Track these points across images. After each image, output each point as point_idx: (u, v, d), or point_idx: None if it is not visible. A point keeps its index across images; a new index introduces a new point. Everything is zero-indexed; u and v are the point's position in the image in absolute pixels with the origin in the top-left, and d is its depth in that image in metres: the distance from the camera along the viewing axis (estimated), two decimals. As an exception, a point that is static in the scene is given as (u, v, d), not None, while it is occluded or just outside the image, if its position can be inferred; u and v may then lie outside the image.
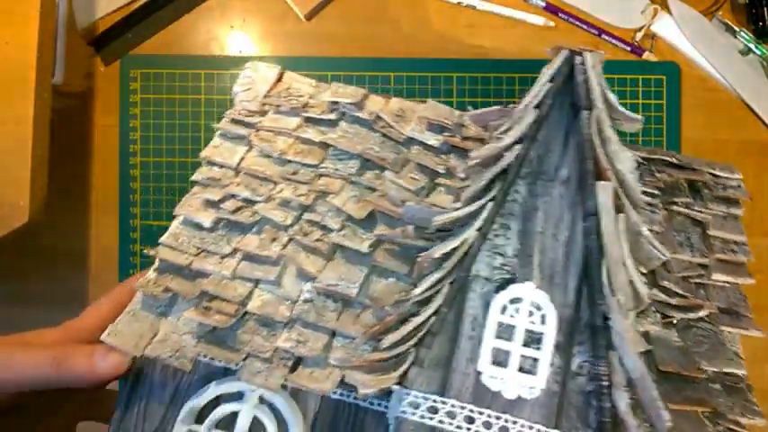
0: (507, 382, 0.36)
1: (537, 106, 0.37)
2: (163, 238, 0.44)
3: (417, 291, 0.36)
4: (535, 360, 0.36)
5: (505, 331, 0.36)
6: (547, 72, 0.38)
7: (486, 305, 0.37)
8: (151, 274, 0.43)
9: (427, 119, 0.48)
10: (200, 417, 0.41)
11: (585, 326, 0.36)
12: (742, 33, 0.64)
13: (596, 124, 0.37)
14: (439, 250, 0.36)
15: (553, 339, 0.36)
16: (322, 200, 0.45)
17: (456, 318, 0.37)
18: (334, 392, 0.40)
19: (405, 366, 0.36)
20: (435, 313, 0.36)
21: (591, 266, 0.36)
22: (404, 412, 0.36)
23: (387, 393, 0.38)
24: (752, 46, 0.64)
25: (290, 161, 0.46)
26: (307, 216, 0.44)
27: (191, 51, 0.64)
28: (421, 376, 0.36)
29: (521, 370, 0.36)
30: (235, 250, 0.43)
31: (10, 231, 0.53)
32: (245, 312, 0.41)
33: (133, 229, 0.63)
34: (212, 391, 0.40)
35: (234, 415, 0.40)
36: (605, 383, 0.35)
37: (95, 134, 0.64)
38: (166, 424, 0.41)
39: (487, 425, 0.35)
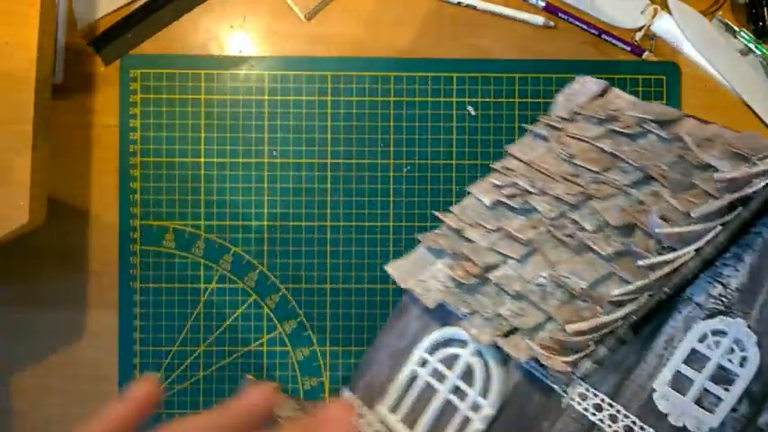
0: (677, 409, 0.34)
1: (810, 136, 0.33)
2: (454, 207, 0.53)
3: (616, 292, 0.37)
4: (718, 399, 0.33)
5: (697, 360, 0.34)
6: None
7: (687, 329, 0.35)
8: (437, 231, 0.53)
9: (732, 147, 0.45)
10: (433, 349, 0.49)
11: (793, 385, 0.31)
12: (742, 33, 0.63)
13: None
14: (650, 260, 0.36)
15: (745, 385, 0.32)
16: (589, 202, 0.47)
17: (651, 332, 0.36)
18: (531, 366, 0.43)
19: (575, 356, 0.37)
20: (624, 318, 0.36)
21: (823, 324, 0.31)
22: (572, 399, 0.38)
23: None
24: (752, 46, 0.62)
25: (575, 164, 0.50)
26: (570, 214, 0.48)
27: (191, 51, 0.63)
28: (596, 374, 0.37)
29: (697, 402, 0.33)
30: (499, 228, 0.50)
31: (10, 231, 0.52)
32: (487, 278, 0.47)
33: (133, 229, 0.62)
34: (444, 333, 0.48)
35: (456, 357, 0.48)
36: (789, 451, 0.30)
37: (95, 134, 0.62)
38: (412, 344, 0.50)
39: (644, 442, 0.34)
